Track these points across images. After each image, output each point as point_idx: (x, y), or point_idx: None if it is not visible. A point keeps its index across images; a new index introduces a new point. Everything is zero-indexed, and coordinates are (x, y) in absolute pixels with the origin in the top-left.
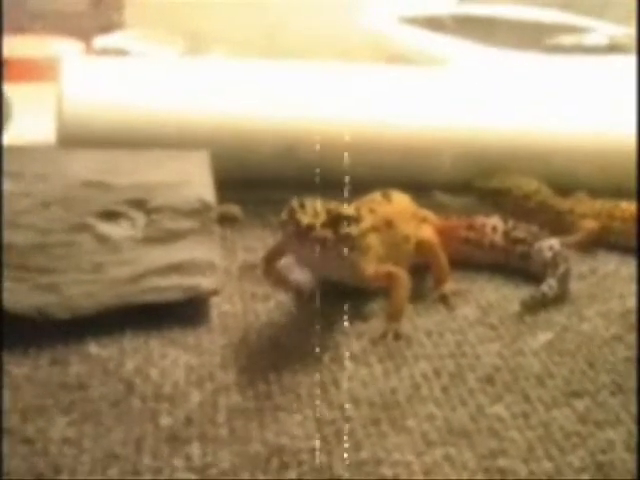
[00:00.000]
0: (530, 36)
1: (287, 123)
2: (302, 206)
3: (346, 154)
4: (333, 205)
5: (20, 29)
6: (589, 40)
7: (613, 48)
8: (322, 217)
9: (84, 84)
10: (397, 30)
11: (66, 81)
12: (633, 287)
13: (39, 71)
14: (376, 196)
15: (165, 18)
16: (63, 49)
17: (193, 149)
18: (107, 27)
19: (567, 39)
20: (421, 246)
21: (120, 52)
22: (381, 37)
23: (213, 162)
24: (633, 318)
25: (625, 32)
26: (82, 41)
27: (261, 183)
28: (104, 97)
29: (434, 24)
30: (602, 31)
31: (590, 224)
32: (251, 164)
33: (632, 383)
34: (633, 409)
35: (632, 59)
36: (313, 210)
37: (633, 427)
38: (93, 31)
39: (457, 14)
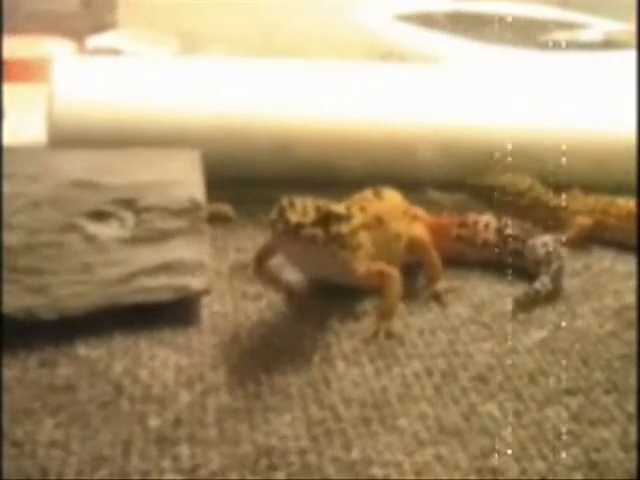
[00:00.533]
0: (525, 33)
1: (280, 122)
2: (292, 205)
3: (339, 152)
4: (323, 203)
5: (12, 30)
6: (584, 36)
7: (609, 44)
8: (312, 215)
9: (75, 84)
10: (391, 28)
11: (57, 81)
12: (627, 284)
13: (31, 71)
14: (367, 194)
15: (158, 18)
16: (55, 49)
17: (185, 148)
18: (100, 27)
19: (562, 35)
20: (413, 244)
21: (113, 52)
22: (375, 35)
23: (205, 161)
24: (627, 315)
25: (621, 28)
26: (75, 41)
27: (253, 182)
28: (95, 97)
29: (428, 21)
30: (597, 27)
31: (584, 220)
32: (244, 163)
33: (626, 381)
34: (627, 407)
35: (628, 55)
36: (303, 208)
37: (627, 425)
38: (86, 31)
39: (451, 11)
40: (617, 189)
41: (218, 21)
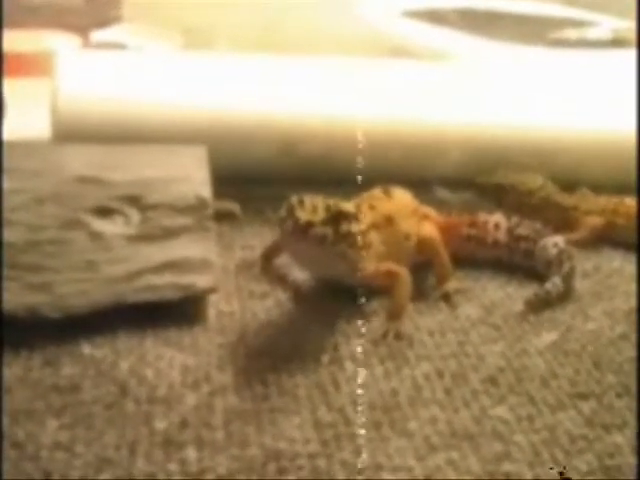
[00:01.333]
0: (533, 30)
1: (286, 118)
2: (301, 203)
3: (346, 149)
4: (332, 202)
5: (16, 23)
6: (593, 34)
7: (617, 42)
8: (321, 214)
9: (79, 78)
10: (399, 24)
11: (61, 75)
12: (638, 285)
13: (35, 66)
14: (376, 192)
15: (163, 12)
16: (60, 43)
17: (191, 144)
18: (104, 21)
19: (571, 33)
20: (423, 243)
21: (117, 46)
22: (383, 31)
23: (211, 158)
24: (638, 317)
25: (629, 26)
26: (79, 35)
27: (260, 179)
28: (99, 92)
29: (437, 18)
30: (606, 25)
31: (594, 220)
32: (250, 160)
33: (638, 384)
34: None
35: (636, 53)
36: (312, 207)
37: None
38: (90, 25)
39: (460, 8)
40: (625, 188)
41: (222, 17)
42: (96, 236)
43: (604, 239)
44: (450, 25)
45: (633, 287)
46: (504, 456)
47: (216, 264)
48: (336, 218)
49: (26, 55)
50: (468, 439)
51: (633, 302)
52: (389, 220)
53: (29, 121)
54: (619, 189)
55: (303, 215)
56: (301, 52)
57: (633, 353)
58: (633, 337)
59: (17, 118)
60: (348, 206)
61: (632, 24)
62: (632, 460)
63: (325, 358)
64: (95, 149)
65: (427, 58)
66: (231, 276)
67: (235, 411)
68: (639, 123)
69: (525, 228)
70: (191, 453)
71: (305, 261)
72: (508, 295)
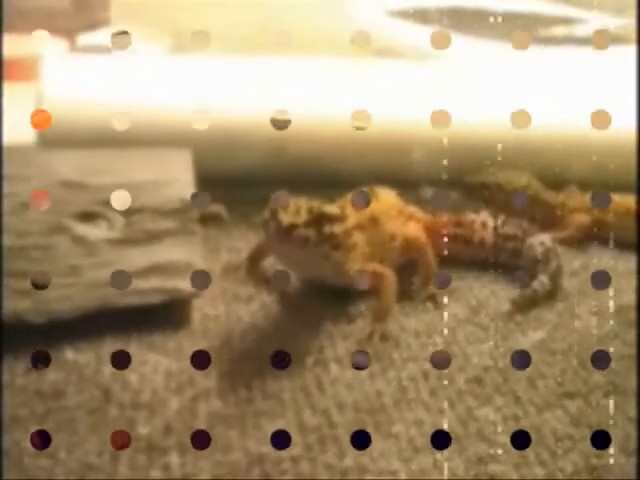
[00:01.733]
0: (522, 28)
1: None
2: (284, 205)
3: (333, 151)
4: (316, 203)
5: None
6: (582, 31)
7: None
8: (304, 216)
9: (65, 82)
10: (385, 23)
11: (47, 79)
12: (627, 283)
13: (21, 69)
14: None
15: (151, 15)
16: (46, 47)
17: (178, 147)
18: (92, 24)
19: (559, 30)
20: (408, 244)
21: (104, 50)
22: (369, 31)
23: (199, 160)
24: (627, 315)
25: (619, 23)
26: (66, 39)
27: (247, 182)
28: (85, 95)
29: (423, 17)
30: (595, 22)
31: (582, 218)
32: (238, 162)
33: (626, 383)
34: (628, 410)
35: (625, 50)
36: (295, 209)
37: (628, 429)
38: (78, 29)
39: (446, 6)
40: (616, 186)
41: (212, 18)
42: (80, 241)
43: (592, 237)
44: (437, 24)
45: (622, 285)
46: (489, 457)
47: (201, 267)
48: (319, 220)
49: (12, 59)
50: (453, 440)
51: (621, 300)
52: (374, 221)
53: (14, 125)
54: (608, 187)
55: (286, 217)
56: (289, 53)
57: (621, 352)
58: (621, 335)
59: (3, 122)
60: (331, 207)
61: (622, 21)
62: (619, 460)
63: (310, 360)
64: (80, 153)
65: (414, 57)
66: (216, 279)
67: (219, 415)
68: (639, 122)
69: (511, 227)
70: (174, 458)
71: (289, 263)
72: (494, 294)
